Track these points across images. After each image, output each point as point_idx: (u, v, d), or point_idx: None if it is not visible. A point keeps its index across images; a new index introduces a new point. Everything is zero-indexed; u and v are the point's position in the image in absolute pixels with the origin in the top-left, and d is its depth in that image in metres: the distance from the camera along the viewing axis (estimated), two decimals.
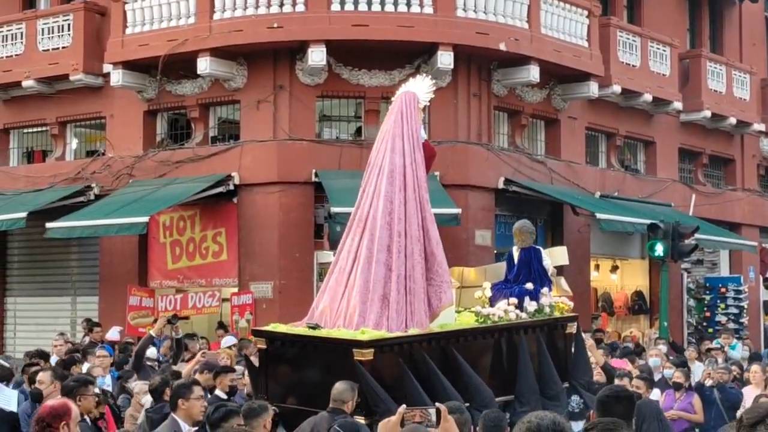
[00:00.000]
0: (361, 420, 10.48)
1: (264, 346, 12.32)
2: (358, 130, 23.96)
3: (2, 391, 12.16)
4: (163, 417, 11.67)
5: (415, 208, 11.85)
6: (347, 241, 12.26)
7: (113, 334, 21.37)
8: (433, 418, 5.83)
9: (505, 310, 12.75)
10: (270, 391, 11.83)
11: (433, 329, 11.85)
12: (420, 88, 12.76)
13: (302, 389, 11.74)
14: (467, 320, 12.80)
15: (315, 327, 11.87)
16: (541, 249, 14.16)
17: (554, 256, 15.01)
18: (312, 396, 11.18)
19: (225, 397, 12.63)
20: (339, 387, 10.44)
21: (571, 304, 14.10)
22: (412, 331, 11.55)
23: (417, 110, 12.42)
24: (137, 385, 13.66)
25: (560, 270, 15.55)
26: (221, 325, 22.35)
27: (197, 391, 10.05)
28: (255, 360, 13.43)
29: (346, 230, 12.54)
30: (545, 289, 13.37)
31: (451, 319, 12.37)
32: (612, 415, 7.17)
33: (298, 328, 12.21)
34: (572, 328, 13.69)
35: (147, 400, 12.72)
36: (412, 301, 11.65)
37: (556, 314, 13.47)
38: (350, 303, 11.80)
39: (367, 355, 10.94)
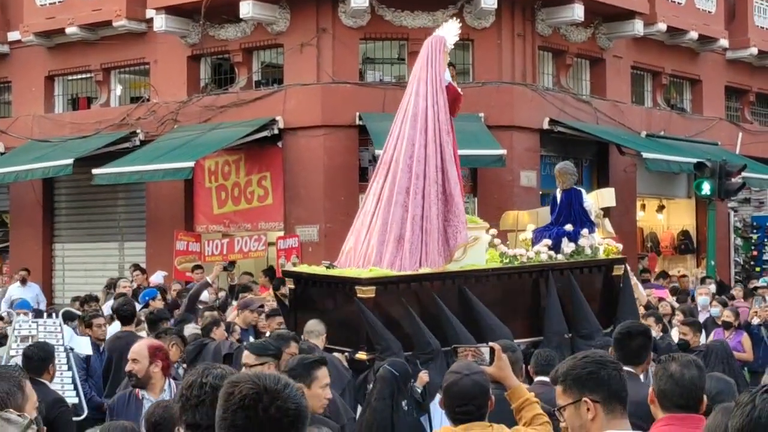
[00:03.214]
0: (363, 356, 10.85)
1: (293, 286, 12.85)
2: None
3: (74, 338, 12.28)
4: (198, 347, 11.95)
5: (434, 150, 12.06)
6: (373, 184, 12.65)
7: (158, 278, 21.55)
8: (487, 356, 5.86)
9: (536, 252, 12.80)
10: (299, 329, 12.11)
11: (448, 269, 12.01)
12: (448, 31, 12.85)
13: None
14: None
15: (330, 266, 12.40)
16: (583, 190, 14.10)
17: (602, 198, 14.96)
18: (330, 333, 11.56)
19: None
20: (310, 322, 11.07)
21: (620, 246, 14.03)
22: (424, 270, 11.78)
23: (443, 54, 12.58)
24: (188, 328, 13.79)
25: (606, 212, 15.47)
26: (271, 269, 22.47)
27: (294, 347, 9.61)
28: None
29: (373, 174, 12.93)
30: (585, 231, 13.30)
31: (481, 259, 12.46)
32: (628, 350, 7.42)
33: (317, 268, 12.73)
34: (619, 270, 13.62)
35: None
36: (427, 241, 11.92)
37: (602, 256, 13.43)
38: (370, 243, 12.16)
39: (368, 292, 11.31)
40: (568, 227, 13.24)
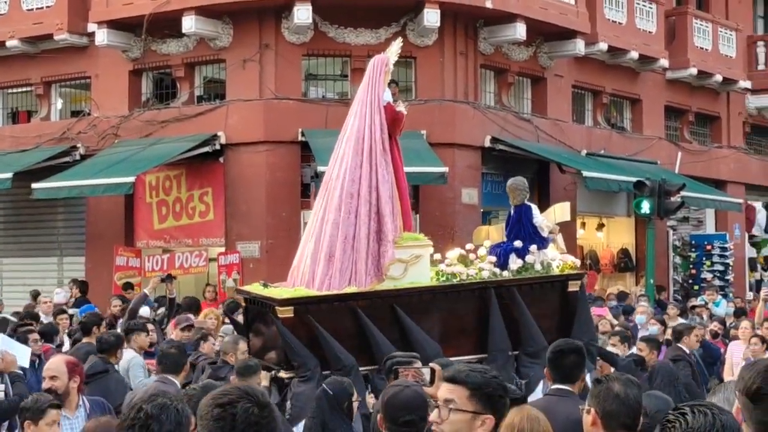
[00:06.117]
0: (283, 375, 11.21)
1: (245, 305, 13.17)
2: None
3: (12, 346, 11.98)
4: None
5: (368, 170, 12.13)
6: (315, 204, 12.82)
7: (59, 297, 21.59)
8: (427, 377, 5.88)
9: (479, 269, 12.80)
10: (250, 348, 12.40)
11: (380, 288, 12.08)
12: (392, 50, 12.97)
13: (263, 346, 12.34)
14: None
15: (265, 285, 12.61)
16: (533, 206, 14.01)
17: (558, 213, 14.95)
18: (264, 353, 11.97)
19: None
20: (225, 341, 11.69)
21: (578, 261, 14.05)
22: (349, 289, 11.89)
23: (383, 74, 12.61)
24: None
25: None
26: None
27: None
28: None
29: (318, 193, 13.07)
30: (533, 247, 13.22)
31: (425, 277, 12.50)
32: (562, 368, 7.48)
33: (255, 287, 12.89)
34: (575, 286, 13.56)
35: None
36: (357, 260, 11.98)
37: (555, 272, 13.39)
38: (307, 262, 12.28)
39: (286, 312, 11.49)
40: (518, 243, 13.20)
